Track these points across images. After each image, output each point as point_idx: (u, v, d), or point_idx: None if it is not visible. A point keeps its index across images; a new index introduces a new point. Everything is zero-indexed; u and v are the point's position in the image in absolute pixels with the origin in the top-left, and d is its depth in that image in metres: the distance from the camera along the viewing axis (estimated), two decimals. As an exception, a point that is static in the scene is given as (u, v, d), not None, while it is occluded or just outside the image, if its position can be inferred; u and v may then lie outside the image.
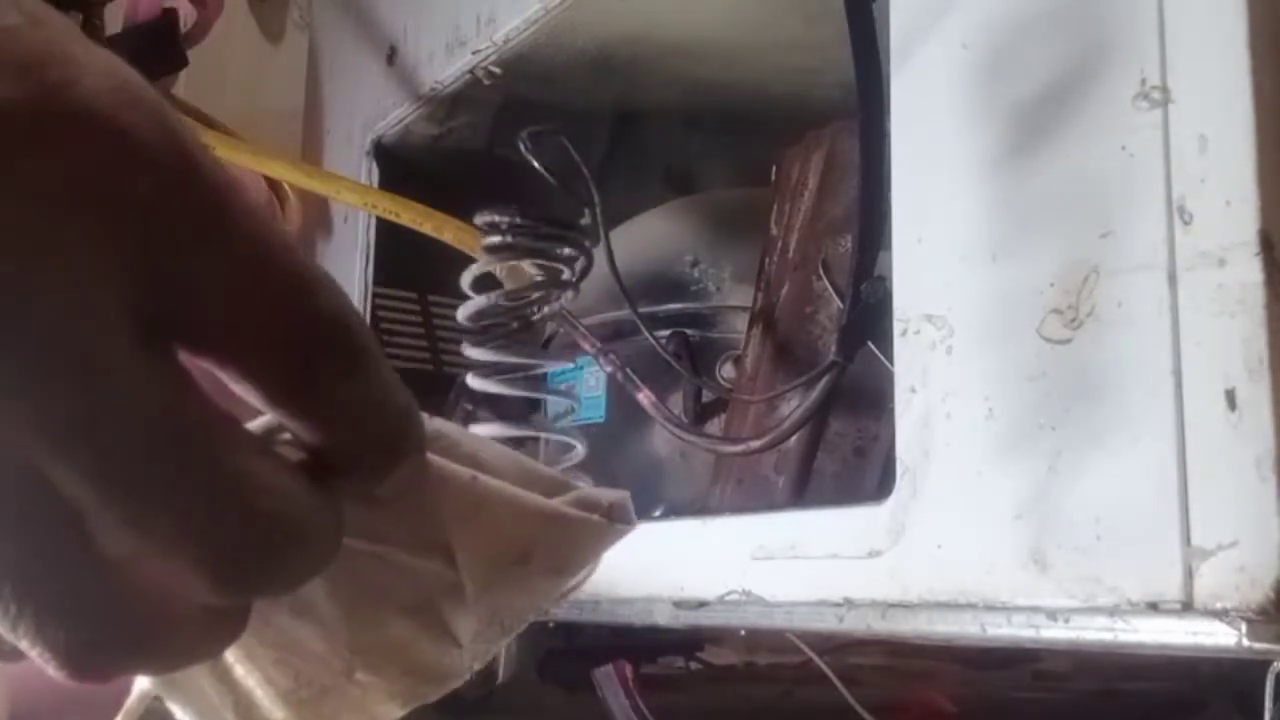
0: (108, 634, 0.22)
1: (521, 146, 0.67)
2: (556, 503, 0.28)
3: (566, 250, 0.65)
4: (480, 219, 0.65)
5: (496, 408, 0.70)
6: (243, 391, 0.22)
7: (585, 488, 0.29)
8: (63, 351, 0.19)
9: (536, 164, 0.66)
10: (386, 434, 0.24)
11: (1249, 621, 0.35)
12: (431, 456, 0.26)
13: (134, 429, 0.20)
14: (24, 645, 0.21)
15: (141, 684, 0.28)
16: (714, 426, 0.73)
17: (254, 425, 0.24)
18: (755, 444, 0.60)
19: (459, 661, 0.28)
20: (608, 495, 0.29)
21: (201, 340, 0.22)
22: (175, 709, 0.28)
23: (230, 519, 0.21)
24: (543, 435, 0.70)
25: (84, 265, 0.20)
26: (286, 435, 0.24)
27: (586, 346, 0.70)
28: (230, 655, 0.27)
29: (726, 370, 0.75)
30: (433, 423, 0.27)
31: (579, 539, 0.28)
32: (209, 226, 0.21)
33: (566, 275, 0.65)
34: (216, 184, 0.21)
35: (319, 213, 1.06)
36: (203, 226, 0.21)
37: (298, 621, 0.27)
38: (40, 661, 0.21)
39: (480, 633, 0.28)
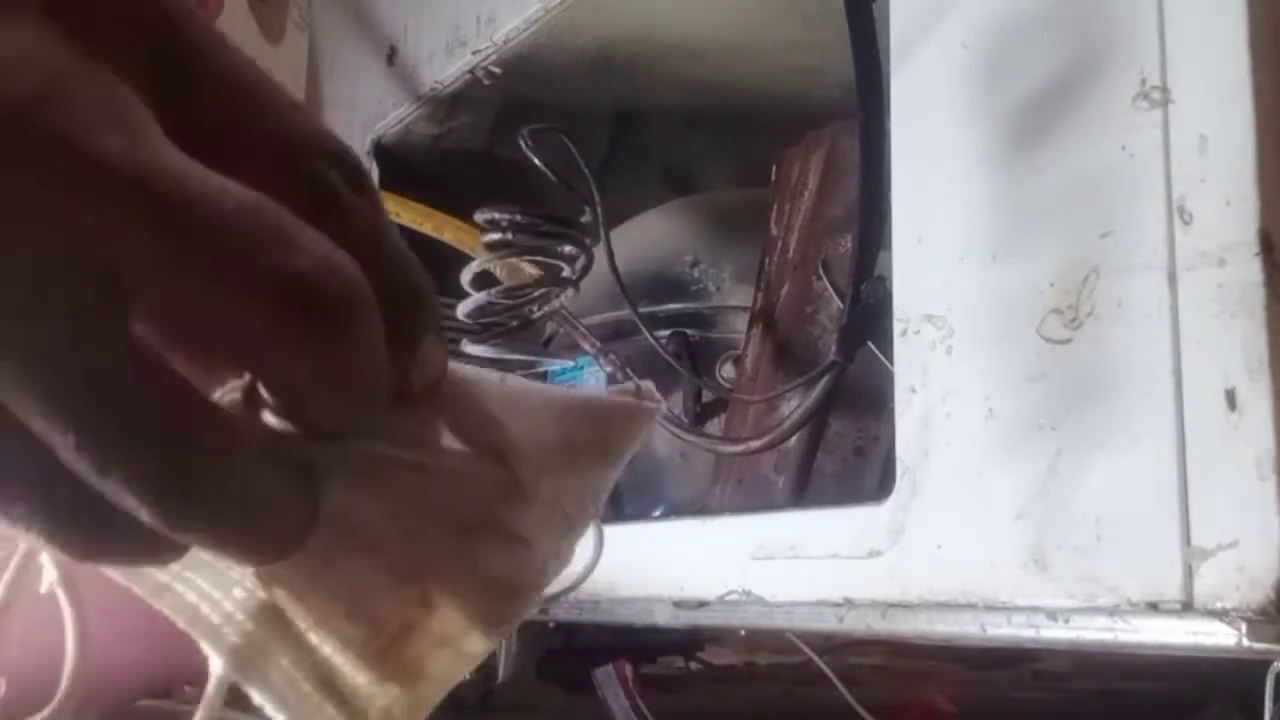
0: (195, 463, 0.22)
1: (522, 144, 0.67)
2: (587, 393, 0.28)
3: (567, 248, 0.65)
4: (480, 216, 0.65)
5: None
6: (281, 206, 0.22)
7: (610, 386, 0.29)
8: (92, 131, 0.20)
9: (538, 161, 0.66)
10: (407, 277, 0.24)
11: (1249, 621, 0.35)
12: (459, 365, 0.26)
13: (170, 200, 0.20)
14: (112, 483, 0.21)
15: (217, 670, 0.27)
16: (714, 426, 0.73)
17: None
18: (755, 444, 0.60)
19: (532, 564, 0.27)
20: (632, 382, 0.30)
21: (212, 156, 0.22)
22: (253, 692, 0.27)
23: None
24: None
25: (101, 67, 0.21)
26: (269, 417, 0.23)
27: (586, 346, 0.70)
28: (301, 623, 0.26)
29: (726, 370, 0.75)
30: (453, 362, 0.27)
31: (617, 420, 0.29)
32: (211, 53, 0.23)
33: (567, 273, 0.66)
34: (210, 26, 0.23)
35: (319, 213, 1.05)
36: (204, 53, 0.23)
37: (363, 558, 0.26)
38: (130, 502, 0.21)
39: (545, 524, 0.27)
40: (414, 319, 0.24)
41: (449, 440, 0.26)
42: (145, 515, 0.21)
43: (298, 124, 0.23)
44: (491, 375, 0.27)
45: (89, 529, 0.22)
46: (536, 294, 0.65)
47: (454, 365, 0.26)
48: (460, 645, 0.27)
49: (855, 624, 0.49)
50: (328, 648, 0.27)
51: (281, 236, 0.21)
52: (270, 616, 0.26)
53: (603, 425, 0.28)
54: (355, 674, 0.27)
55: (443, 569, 0.27)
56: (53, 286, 0.20)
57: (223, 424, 0.22)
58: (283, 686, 0.27)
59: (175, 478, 0.21)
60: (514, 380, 0.27)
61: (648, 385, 0.29)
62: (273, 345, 0.22)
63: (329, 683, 0.27)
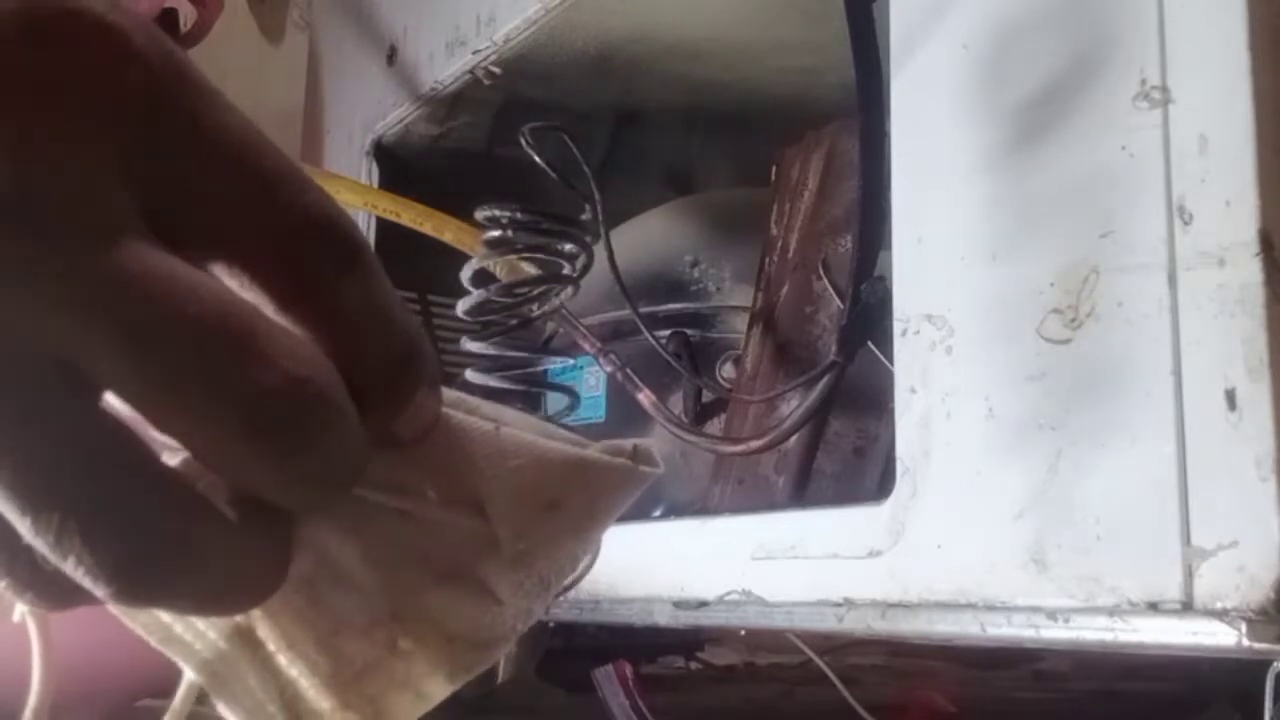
0: (153, 547, 0.22)
1: (523, 141, 0.67)
2: (581, 450, 0.28)
3: (567, 246, 0.65)
4: (481, 214, 0.65)
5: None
6: (250, 295, 0.22)
7: (608, 441, 0.29)
8: (73, 231, 0.20)
9: (538, 159, 0.66)
10: (397, 349, 0.24)
11: (1249, 621, 0.35)
12: (453, 412, 0.26)
13: (150, 297, 0.20)
14: (69, 564, 0.21)
15: (188, 679, 0.27)
16: (714, 426, 0.73)
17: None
18: (755, 444, 0.60)
19: (502, 622, 0.27)
20: (632, 441, 0.29)
21: (200, 235, 0.22)
22: (221, 705, 0.27)
23: (260, 376, 0.21)
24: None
25: (86, 149, 0.21)
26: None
27: (586, 346, 0.70)
28: (272, 644, 0.27)
29: (726, 370, 0.75)
30: (451, 392, 0.27)
31: (608, 483, 0.28)
32: (199, 121, 0.22)
33: (567, 271, 0.65)
34: (202, 84, 0.22)
35: (319, 212, 1.05)
36: (192, 120, 0.22)
37: (338, 592, 0.27)
38: (85, 581, 0.21)
39: (520, 586, 0.27)
40: (406, 384, 0.24)
41: (433, 488, 0.26)
42: (100, 593, 0.21)
43: (286, 198, 0.23)
44: (485, 424, 0.27)
45: (58, 589, 0.22)
46: (536, 292, 0.65)
47: (448, 410, 0.26)
48: (421, 688, 0.28)
49: (855, 624, 0.49)
50: (295, 670, 0.27)
51: (248, 349, 0.21)
52: (241, 636, 0.27)
53: (594, 487, 0.28)
54: (320, 699, 0.27)
55: (412, 617, 0.27)
56: (5, 371, 0.20)
57: (185, 500, 0.22)
58: (250, 705, 0.27)
59: (131, 564, 0.21)
60: (509, 431, 0.27)
61: (647, 446, 0.28)
62: (237, 457, 0.21)
63: (294, 705, 0.27)
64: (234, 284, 0.22)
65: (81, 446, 0.21)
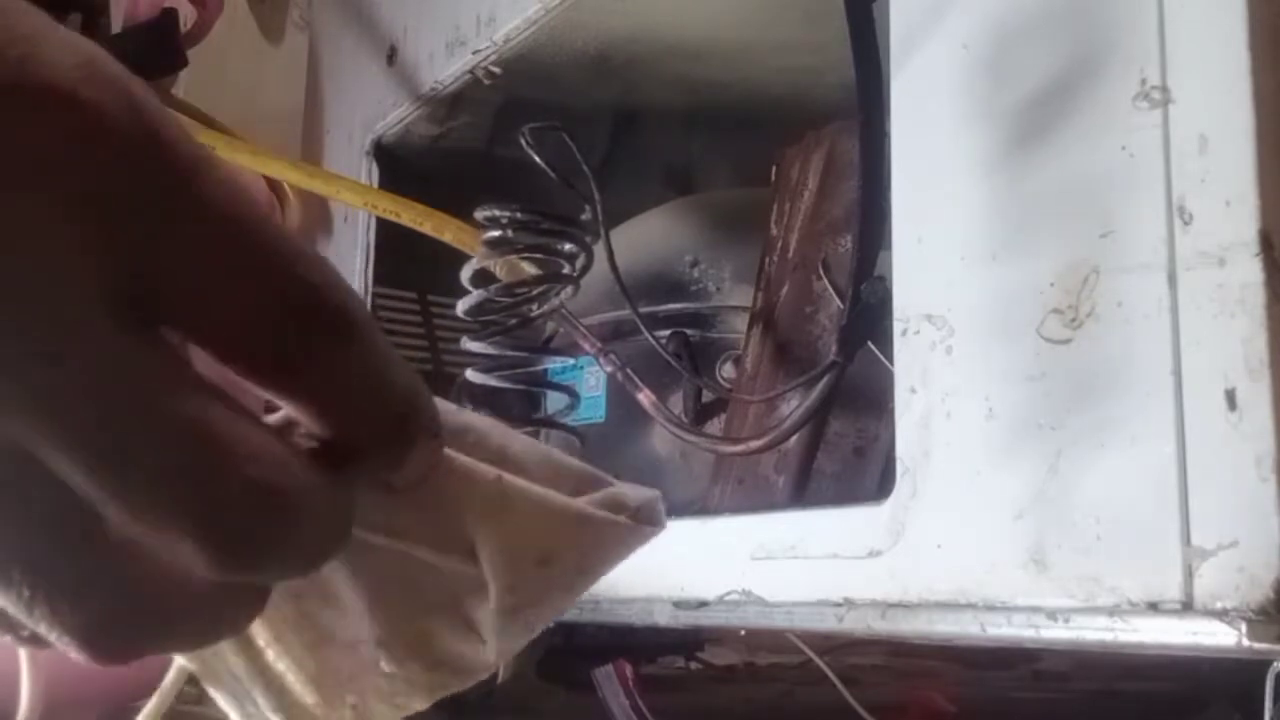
0: (122, 612, 0.22)
1: (523, 141, 0.67)
2: (582, 503, 0.27)
3: (567, 246, 0.65)
4: (480, 213, 0.65)
5: (497, 407, 0.70)
6: (235, 373, 0.22)
7: (616, 485, 0.28)
8: (35, 325, 0.19)
9: (538, 158, 0.66)
10: (391, 414, 0.23)
11: (1249, 621, 0.35)
12: (455, 454, 0.26)
13: (111, 404, 0.20)
14: (41, 629, 0.21)
15: (178, 662, 0.28)
16: (714, 426, 0.73)
17: (271, 419, 0.24)
18: (755, 444, 0.60)
19: (485, 656, 0.28)
20: (636, 496, 0.28)
21: (180, 316, 0.21)
22: (208, 689, 0.28)
23: (217, 492, 0.21)
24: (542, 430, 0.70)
25: (52, 238, 0.20)
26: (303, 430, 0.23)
27: (586, 346, 0.70)
28: (261, 639, 0.27)
29: (726, 370, 0.75)
30: (462, 415, 0.27)
31: (604, 541, 0.28)
32: (176, 198, 0.21)
33: (567, 271, 0.65)
34: (184, 156, 0.21)
35: (319, 213, 1.06)
36: (169, 198, 0.21)
37: (327, 609, 0.27)
38: (60, 645, 0.21)
39: (505, 629, 0.27)
40: (401, 443, 0.24)
41: (428, 534, 0.26)
42: (73, 654, 0.21)
43: (273, 273, 0.22)
44: (488, 473, 0.26)
45: (34, 635, 0.22)
46: (536, 292, 0.65)
47: (450, 452, 0.26)
48: (399, 702, 0.28)
49: (855, 624, 0.49)
50: (282, 665, 0.27)
51: (208, 460, 0.21)
52: None
53: (592, 543, 0.28)
54: (305, 694, 0.28)
55: (398, 642, 0.27)
56: None
57: (149, 567, 0.22)
58: (236, 690, 0.28)
59: (100, 630, 0.21)
60: (510, 482, 0.27)
61: (651, 502, 0.28)
62: (197, 560, 0.21)
63: (279, 696, 0.28)
64: (218, 359, 0.22)
65: (41, 516, 0.20)
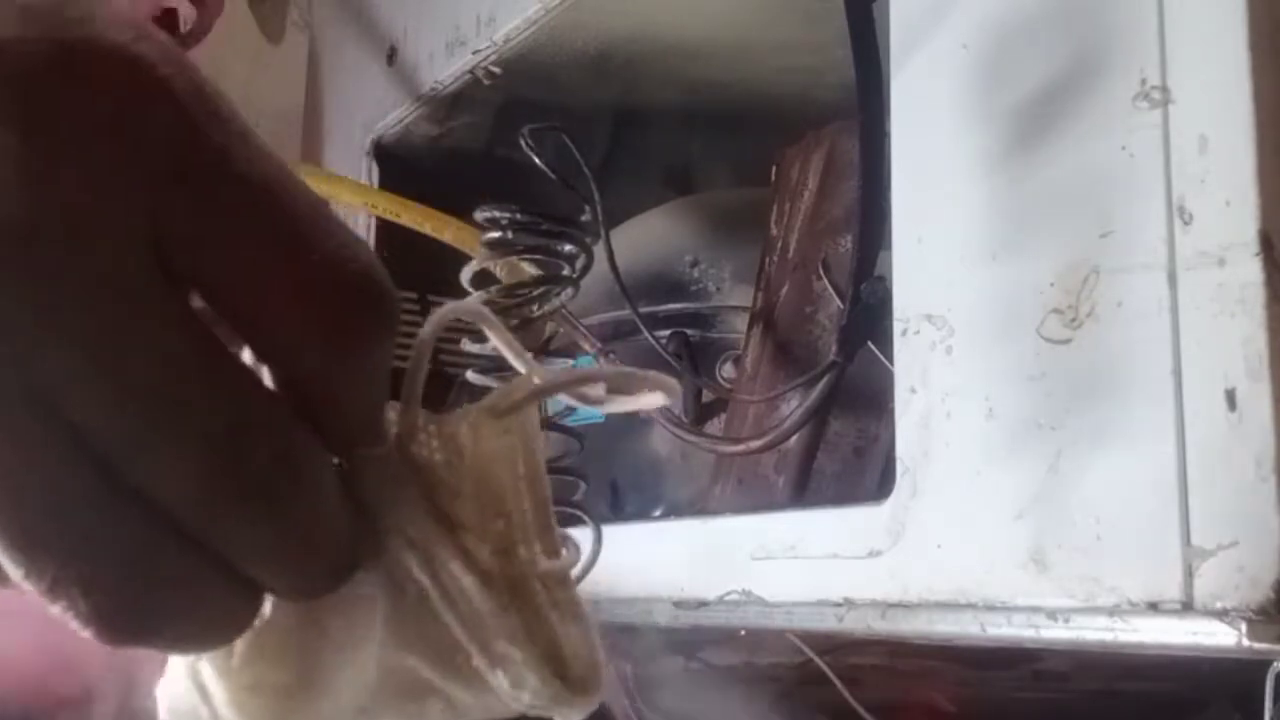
0: (141, 600, 0.22)
1: (522, 142, 0.67)
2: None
3: (567, 247, 0.65)
4: (480, 214, 0.65)
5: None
6: (250, 343, 0.22)
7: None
8: (83, 274, 0.20)
9: (537, 160, 0.66)
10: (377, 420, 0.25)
11: (1249, 621, 0.35)
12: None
13: (155, 356, 0.20)
14: (59, 609, 0.21)
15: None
16: (714, 426, 0.73)
17: None
18: (755, 444, 0.60)
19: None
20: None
21: (214, 274, 0.21)
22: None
23: (248, 448, 0.21)
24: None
25: (104, 191, 0.20)
26: None
27: (587, 346, 0.70)
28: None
29: (726, 370, 0.75)
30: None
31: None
32: (228, 157, 0.21)
33: (567, 272, 0.65)
34: (234, 120, 0.22)
35: (319, 213, 1.05)
36: (221, 157, 0.21)
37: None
38: (76, 625, 0.21)
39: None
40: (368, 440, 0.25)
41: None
42: (88, 635, 0.21)
43: (312, 243, 0.22)
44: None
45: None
46: (536, 293, 0.65)
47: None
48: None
49: (855, 624, 0.49)
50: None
51: (239, 425, 0.21)
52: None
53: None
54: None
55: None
56: None
57: (177, 547, 0.22)
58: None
59: (119, 614, 0.22)
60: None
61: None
62: (210, 522, 0.22)
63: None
64: (246, 324, 0.22)
65: (71, 491, 0.21)
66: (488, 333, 0.28)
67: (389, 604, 0.26)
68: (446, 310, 0.27)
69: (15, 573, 0.21)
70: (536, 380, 0.27)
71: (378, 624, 0.26)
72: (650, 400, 0.28)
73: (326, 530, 0.23)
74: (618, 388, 0.28)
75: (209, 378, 0.21)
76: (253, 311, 0.22)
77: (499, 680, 0.26)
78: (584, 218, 0.67)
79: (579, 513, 0.51)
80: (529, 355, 0.29)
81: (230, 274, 0.22)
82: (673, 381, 0.28)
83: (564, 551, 0.28)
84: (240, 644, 0.25)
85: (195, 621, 0.23)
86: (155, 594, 0.22)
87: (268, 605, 0.25)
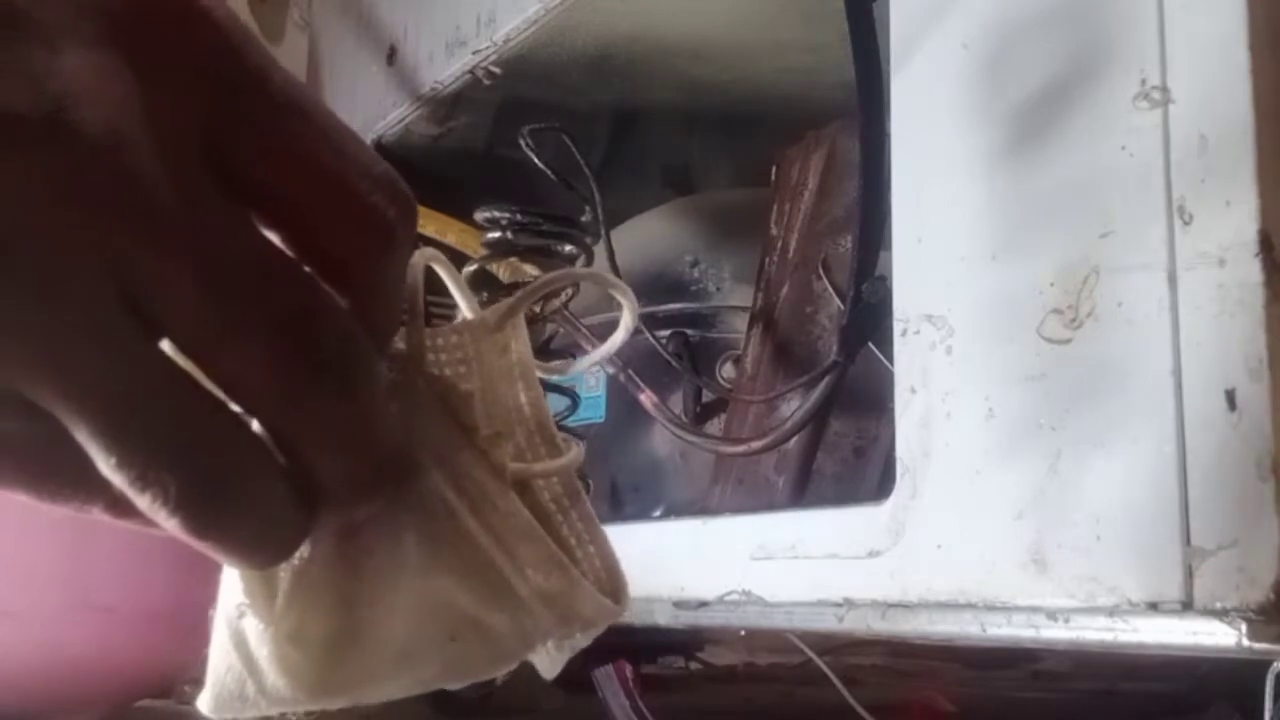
0: (216, 485, 0.23)
1: (523, 143, 0.67)
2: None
3: (567, 247, 0.65)
4: (480, 215, 0.65)
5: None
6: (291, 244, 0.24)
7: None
8: (163, 184, 0.21)
9: (538, 160, 0.66)
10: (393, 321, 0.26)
11: (1249, 621, 0.35)
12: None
13: (229, 255, 0.22)
14: (143, 502, 0.22)
15: None
16: (714, 426, 0.73)
17: None
18: (756, 444, 0.60)
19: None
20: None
21: (260, 180, 0.23)
22: None
23: (318, 332, 0.23)
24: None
25: (179, 104, 0.22)
26: None
27: (587, 346, 0.70)
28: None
29: (726, 370, 0.75)
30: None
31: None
32: (268, 75, 0.23)
33: (567, 273, 0.65)
34: (264, 47, 0.24)
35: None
36: (263, 75, 0.23)
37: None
38: (158, 516, 0.22)
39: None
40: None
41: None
42: (167, 524, 0.22)
43: (353, 153, 0.24)
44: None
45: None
46: (537, 293, 0.65)
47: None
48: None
49: (855, 624, 0.49)
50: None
51: (307, 300, 0.23)
52: None
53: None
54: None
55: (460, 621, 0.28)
56: (82, 302, 0.21)
57: (248, 438, 0.23)
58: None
59: (195, 498, 0.22)
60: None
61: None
62: (287, 394, 0.23)
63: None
64: (302, 229, 0.24)
65: (156, 387, 0.22)
66: (442, 276, 0.29)
67: (420, 531, 0.27)
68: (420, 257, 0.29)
69: (106, 464, 0.21)
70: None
71: (411, 551, 0.27)
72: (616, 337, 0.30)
73: (386, 418, 0.25)
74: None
75: (277, 271, 0.23)
76: (310, 214, 0.24)
77: (527, 587, 0.27)
78: (584, 218, 0.67)
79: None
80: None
81: (286, 179, 0.23)
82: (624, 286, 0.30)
83: (574, 448, 0.29)
84: (283, 586, 0.26)
85: (260, 519, 0.24)
86: (231, 484, 0.23)
87: (307, 546, 0.26)
